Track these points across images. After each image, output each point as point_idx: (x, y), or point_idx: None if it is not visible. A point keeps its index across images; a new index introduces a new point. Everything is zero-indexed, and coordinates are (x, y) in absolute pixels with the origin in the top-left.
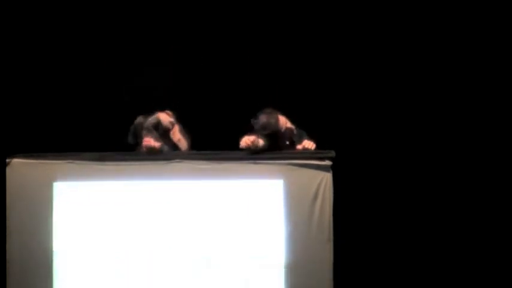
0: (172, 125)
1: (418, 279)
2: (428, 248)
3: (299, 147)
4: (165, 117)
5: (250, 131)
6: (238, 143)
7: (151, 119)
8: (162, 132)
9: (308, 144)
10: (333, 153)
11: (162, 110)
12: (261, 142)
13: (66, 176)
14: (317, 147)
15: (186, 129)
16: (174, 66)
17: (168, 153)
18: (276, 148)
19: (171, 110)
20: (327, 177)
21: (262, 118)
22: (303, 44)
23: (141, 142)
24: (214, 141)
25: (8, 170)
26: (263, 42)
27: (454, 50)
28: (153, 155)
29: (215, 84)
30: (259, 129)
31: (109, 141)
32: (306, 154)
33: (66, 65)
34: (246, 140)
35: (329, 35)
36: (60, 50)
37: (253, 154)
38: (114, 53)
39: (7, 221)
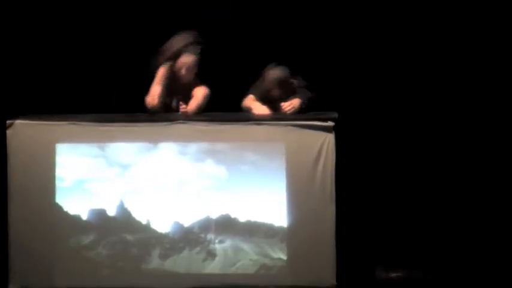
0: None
1: (419, 239)
2: (429, 207)
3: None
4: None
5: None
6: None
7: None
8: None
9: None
10: (335, 114)
11: None
12: None
13: (68, 138)
14: (320, 108)
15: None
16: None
17: (170, 114)
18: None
19: None
20: (330, 138)
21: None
22: (307, 5)
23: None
24: (218, 102)
25: (10, 132)
26: (268, 3)
27: (462, 14)
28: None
29: (218, 43)
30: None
31: (111, 103)
32: (308, 115)
33: (69, 26)
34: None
35: None
36: (64, 10)
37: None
38: (119, 12)
39: (9, 183)
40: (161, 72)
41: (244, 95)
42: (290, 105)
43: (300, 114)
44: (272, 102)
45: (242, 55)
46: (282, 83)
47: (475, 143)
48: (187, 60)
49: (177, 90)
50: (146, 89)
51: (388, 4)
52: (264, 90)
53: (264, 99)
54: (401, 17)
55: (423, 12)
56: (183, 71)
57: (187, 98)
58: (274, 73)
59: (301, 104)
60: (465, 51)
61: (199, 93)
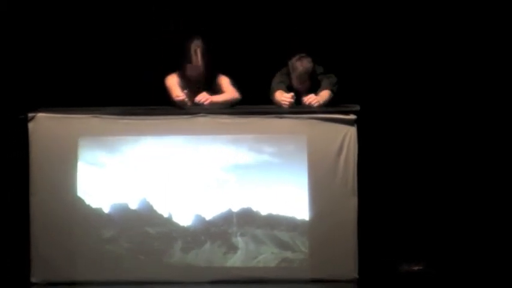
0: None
1: (441, 232)
2: (451, 200)
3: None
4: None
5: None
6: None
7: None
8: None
9: (309, 99)
10: (357, 107)
11: None
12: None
13: (90, 131)
14: (342, 101)
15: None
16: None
17: (192, 107)
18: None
19: None
20: (352, 131)
21: (301, 64)
22: None
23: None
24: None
25: (31, 125)
26: None
27: None
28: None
29: (239, 35)
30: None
31: (133, 95)
32: (330, 108)
33: (91, 19)
34: (286, 99)
35: None
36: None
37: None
38: (139, 4)
39: (30, 176)
40: (170, 81)
41: (265, 86)
42: (315, 99)
43: (322, 107)
44: (299, 94)
45: (264, 47)
46: (311, 74)
47: (499, 137)
48: (194, 45)
49: (189, 84)
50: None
51: None
52: (293, 82)
53: (290, 91)
54: (424, 9)
55: (444, 5)
56: (194, 57)
57: (201, 89)
58: (306, 66)
59: (331, 94)
60: (490, 46)
61: (229, 94)
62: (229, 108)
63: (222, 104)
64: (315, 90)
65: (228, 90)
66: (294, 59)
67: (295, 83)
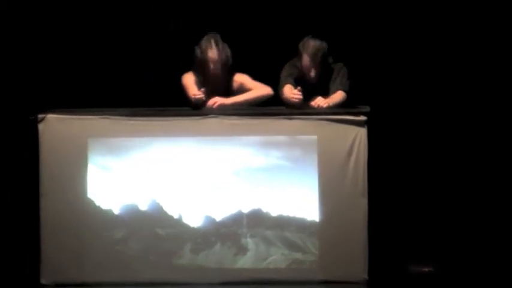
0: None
1: (452, 233)
2: (462, 201)
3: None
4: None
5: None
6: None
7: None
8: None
9: (317, 102)
10: (367, 109)
11: None
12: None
13: (100, 132)
14: (352, 102)
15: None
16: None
17: (202, 109)
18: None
19: None
20: (362, 133)
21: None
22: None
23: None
24: None
25: (41, 126)
26: None
27: None
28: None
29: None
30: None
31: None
32: (340, 109)
33: (99, 20)
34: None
35: None
36: (94, 5)
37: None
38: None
39: (40, 178)
40: (187, 79)
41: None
42: (323, 101)
43: (333, 108)
44: (308, 88)
45: (268, 48)
46: (322, 60)
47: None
48: (211, 55)
49: (206, 82)
50: (178, 81)
51: None
52: (303, 65)
53: (299, 83)
54: (436, 10)
55: (456, 7)
56: (211, 66)
57: (218, 92)
58: (319, 43)
59: (345, 95)
60: (502, 49)
61: (258, 90)
62: (240, 109)
63: (248, 103)
64: (324, 78)
65: (256, 87)
66: (305, 38)
67: (306, 65)
